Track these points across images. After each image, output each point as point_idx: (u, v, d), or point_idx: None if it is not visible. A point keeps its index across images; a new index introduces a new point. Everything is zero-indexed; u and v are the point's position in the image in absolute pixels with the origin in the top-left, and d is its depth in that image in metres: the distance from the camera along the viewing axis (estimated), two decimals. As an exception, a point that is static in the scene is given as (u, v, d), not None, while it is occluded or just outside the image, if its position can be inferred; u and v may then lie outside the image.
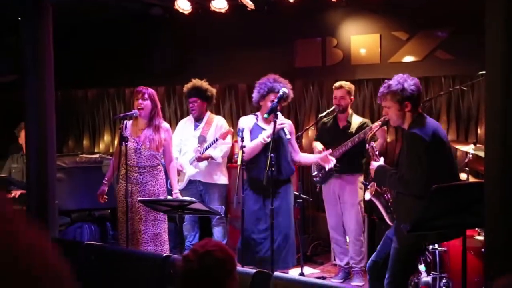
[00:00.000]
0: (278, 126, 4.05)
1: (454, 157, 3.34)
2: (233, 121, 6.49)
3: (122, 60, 7.01)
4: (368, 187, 3.61)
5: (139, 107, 4.48)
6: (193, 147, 5.25)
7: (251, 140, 4.29)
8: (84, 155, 6.07)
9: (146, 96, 4.49)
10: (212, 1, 5.62)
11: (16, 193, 5.14)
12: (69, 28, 6.81)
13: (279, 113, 4.11)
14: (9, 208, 0.79)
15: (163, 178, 4.68)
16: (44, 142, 4.20)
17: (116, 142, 7.15)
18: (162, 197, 4.51)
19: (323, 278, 4.97)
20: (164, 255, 3.20)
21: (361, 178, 4.84)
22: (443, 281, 4.03)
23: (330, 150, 4.64)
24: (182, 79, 5.70)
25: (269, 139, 4.04)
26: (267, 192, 4.09)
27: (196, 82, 5.34)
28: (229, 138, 5.22)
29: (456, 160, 3.43)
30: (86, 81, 7.47)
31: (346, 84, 4.90)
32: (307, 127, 5.67)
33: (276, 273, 2.81)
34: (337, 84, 4.93)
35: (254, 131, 4.33)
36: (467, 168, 4.49)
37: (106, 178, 4.63)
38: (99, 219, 5.82)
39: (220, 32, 6.32)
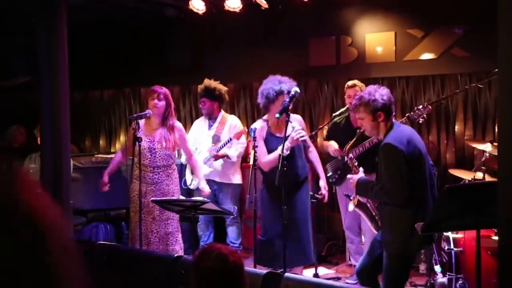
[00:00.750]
0: (296, 138, 4.05)
1: (427, 165, 3.36)
2: (247, 120, 6.48)
3: (137, 60, 7.05)
4: (351, 198, 3.64)
5: (154, 106, 4.49)
6: (207, 147, 5.26)
7: (268, 150, 4.26)
8: (100, 155, 6.11)
9: (161, 96, 4.51)
10: (226, 1, 5.63)
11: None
12: (85, 29, 6.87)
13: (295, 123, 4.10)
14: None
15: (177, 177, 4.70)
16: (59, 142, 4.24)
17: (124, 141, 7.23)
18: (176, 197, 4.53)
19: (338, 278, 4.94)
20: (176, 255, 3.21)
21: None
22: (459, 282, 3.99)
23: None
24: (197, 79, 5.72)
25: (288, 152, 4.04)
26: (281, 193, 4.09)
27: (205, 81, 5.36)
28: (243, 138, 5.23)
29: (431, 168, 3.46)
30: (102, 82, 7.54)
31: (359, 83, 4.87)
32: (321, 126, 5.63)
33: (287, 274, 2.80)
34: (350, 83, 4.90)
35: (269, 141, 4.28)
36: (483, 167, 4.43)
37: (108, 171, 4.66)
38: (114, 219, 5.86)
39: (234, 31, 6.32)
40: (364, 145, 4.66)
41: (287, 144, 4.03)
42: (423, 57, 5.60)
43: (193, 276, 2.05)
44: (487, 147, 4.51)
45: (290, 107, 4.07)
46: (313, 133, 5.32)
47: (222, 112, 5.44)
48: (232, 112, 6.54)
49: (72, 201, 4.50)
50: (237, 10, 5.65)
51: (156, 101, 4.50)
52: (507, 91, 2.56)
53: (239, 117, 6.48)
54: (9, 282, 0.78)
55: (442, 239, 4.28)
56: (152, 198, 4.23)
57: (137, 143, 4.35)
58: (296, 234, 4.15)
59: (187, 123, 6.80)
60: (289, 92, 4.14)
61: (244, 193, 5.31)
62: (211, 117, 5.39)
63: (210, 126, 5.40)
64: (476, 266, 2.91)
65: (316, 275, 4.73)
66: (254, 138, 4.05)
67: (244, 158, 5.87)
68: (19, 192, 0.85)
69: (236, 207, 5.09)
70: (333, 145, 4.92)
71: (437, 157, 5.51)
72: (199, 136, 5.41)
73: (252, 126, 4.33)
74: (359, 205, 3.62)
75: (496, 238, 3.81)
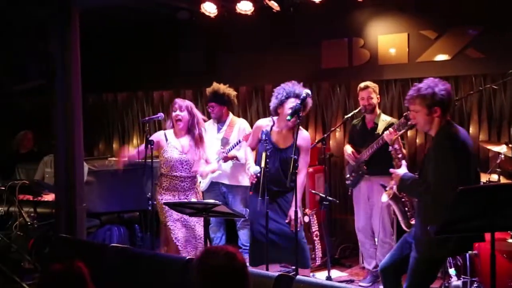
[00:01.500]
0: (250, 178, 4.14)
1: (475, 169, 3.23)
2: (260, 123, 6.47)
3: (150, 63, 7.08)
4: (387, 189, 3.52)
5: (176, 118, 4.48)
6: (216, 150, 5.26)
7: (259, 147, 4.28)
8: (114, 158, 6.13)
9: (183, 108, 4.50)
10: (238, 4, 5.62)
11: (49, 197, 5.23)
12: (99, 32, 6.92)
13: (286, 118, 4.05)
14: None
15: (198, 184, 4.77)
16: (72, 145, 4.27)
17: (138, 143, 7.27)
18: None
19: (351, 281, 4.90)
20: (187, 258, 3.19)
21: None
22: (474, 285, 3.94)
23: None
24: (209, 82, 5.71)
25: (254, 174, 4.10)
26: (275, 194, 4.09)
27: (214, 86, 5.35)
28: None
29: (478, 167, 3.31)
30: (116, 85, 7.58)
31: (371, 84, 4.85)
32: (333, 129, 5.61)
33: (298, 277, 2.77)
34: (362, 84, 4.87)
35: (261, 144, 4.24)
36: (498, 169, 4.38)
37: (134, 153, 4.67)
38: (128, 221, 5.87)
39: (246, 34, 6.31)
40: (373, 146, 4.64)
41: (256, 170, 4.11)
42: (436, 58, 5.55)
43: (198, 275, 2.04)
44: (502, 149, 4.45)
45: (301, 111, 4.05)
46: (325, 135, 5.29)
47: (231, 115, 5.43)
48: (244, 115, 6.53)
49: (86, 204, 4.52)
50: (249, 12, 5.64)
51: (178, 112, 4.49)
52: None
53: (251, 120, 6.47)
54: None
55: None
56: (164, 201, 4.23)
57: (149, 145, 4.36)
58: (281, 237, 4.15)
59: (200, 126, 6.81)
60: (299, 96, 4.10)
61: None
62: (220, 121, 5.38)
63: (219, 129, 5.40)
64: (491, 269, 2.86)
65: (329, 277, 4.70)
66: (265, 141, 4.03)
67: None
68: None
69: (247, 210, 5.07)
70: (347, 150, 4.91)
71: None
72: (208, 139, 5.39)
73: (263, 127, 4.31)
74: (394, 197, 3.50)
75: (511, 241, 3.76)
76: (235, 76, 5.86)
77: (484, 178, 4.48)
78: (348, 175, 5.00)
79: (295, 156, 3.81)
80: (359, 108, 4.95)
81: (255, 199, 4.07)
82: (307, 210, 5.09)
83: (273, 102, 4.26)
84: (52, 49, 4.39)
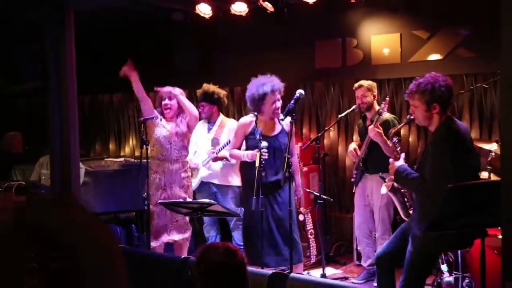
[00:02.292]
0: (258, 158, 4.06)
1: (478, 158, 3.21)
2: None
3: (145, 64, 7.09)
4: (386, 180, 3.52)
5: (166, 107, 4.59)
6: (206, 150, 5.29)
7: (248, 146, 4.31)
8: (110, 159, 6.15)
9: (171, 95, 4.61)
10: (232, 5, 5.65)
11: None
12: (95, 34, 6.93)
13: (280, 118, 4.11)
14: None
15: (188, 169, 4.92)
16: (68, 146, 4.28)
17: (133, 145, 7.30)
18: (190, 189, 4.86)
19: (346, 278, 4.94)
20: (183, 257, 3.23)
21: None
22: (466, 281, 3.98)
23: None
24: (202, 82, 5.74)
25: (249, 160, 4.12)
26: (268, 192, 4.13)
27: (204, 86, 5.39)
28: None
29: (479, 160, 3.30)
30: (111, 86, 7.58)
31: (365, 82, 4.88)
32: (327, 128, 5.64)
33: (292, 274, 2.81)
34: (357, 84, 4.92)
35: (251, 135, 4.30)
36: (489, 167, 4.42)
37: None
38: (124, 221, 5.90)
39: (241, 35, 6.34)
40: (365, 143, 4.69)
41: (250, 155, 4.16)
42: (429, 58, 5.59)
43: (198, 271, 2.07)
44: (493, 147, 4.50)
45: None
46: (319, 134, 5.33)
47: (221, 115, 5.46)
48: (239, 115, 6.55)
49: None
50: (243, 13, 5.67)
51: (167, 100, 4.62)
52: (509, 89, 2.56)
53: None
54: None
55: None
56: (160, 201, 4.27)
57: (144, 146, 4.41)
58: (280, 233, 4.17)
59: (195, 126, 6.84)
60: (273, 91, 4.18)
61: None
62: (210, 121, 5.41)
63: (209, 129, 5.42)
64: (481, 265, 2.91)
65: (323, 275, 4.73)
66: (260, 140, 4.06)
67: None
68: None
69: (242, 209, 5.10)
70: (349, 147, 4.96)
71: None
72: (198, 139, 5.44)
73: (248, 125, 4.35)
74: (392, 189, 3.51)
75: (501, 237, 3.79)
76: (230, 76, 5.88)
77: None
78: (354, 172, 5.05)
79: (289, 156, 3.84)
80: (353, 107, 4.99)
81: (250, 198, 4.10)
82: (301, 209, 5.13)
83: (251, 106, 4.38)
84: (47, 49, 4.40)
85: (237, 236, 5.37)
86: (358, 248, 5.12)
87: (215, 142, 5.29)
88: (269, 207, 4.19)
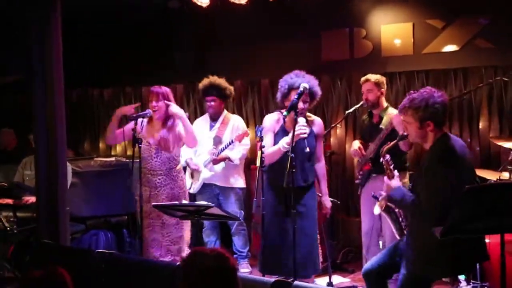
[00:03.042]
0: (296, 134, 3.97)
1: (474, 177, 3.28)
2: (255, 119, 6.48)
3: (139, 57, 7.07)
4: (379, 200, 3.55)
5: (153, 109, 4.54)
6: (207, 149, 5.26)
7: (275, 143, 4.25)
8: (100, 158, 6.13)
9: (160, 97, 4.55)
10: (231, -8, 5.62)
11: (28, 199, 5.23)
12: (85, 24, 6.91)
13: (302, 119, 4.05)
14: None
15: (182, 179, 4.74)
16: (54, 145, 4.26)
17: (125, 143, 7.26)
18: (181, 201, 4.55)
19: (354, 287, 4.91)
20: (177, 264, 3.20)
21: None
22: (484, 290, 3.95)
23: None
24: (202, 76, 5.71)
25: (289, 147, 3.98)
26: (288, 197, 4.07)
27: (214, 79, 5.33)
28: (246, 140, 5.20)
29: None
30: (102, 80, 7.57)
31: (372, 76, 4.83)
32: (334, 125, 5.61)
33: (296, 283, 2.78)
34: (363, 78, 4.87)
35: (280, 136, 4.27)
36: (510, 167, 4.39)
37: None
38: (115, 226, 5.87)
39: (241, 25, 6.32)
40: (376, 142, 4.64)
41: (288, 139, 4.02)
42: (444, 49, 5.57)
43: (185, 277, 2.06)
44: (514, 145, 4.47)
45: (303, 106, 4.07)
46: (326, 131, 5.29)
47: (225, 111, 5.43)
48: (239, 111, 6.54)
49: (69, 208, 4.52)
50: (243, 2, 5.64)
51: (154, 103, 4.54)
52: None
53: (246, 116, 6.49)
54: None
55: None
56: (154, 203, 4.25)
57: (136, 144, 4.38)
58: (301, 241, 4.12)
59: (191, 123, 6.81)
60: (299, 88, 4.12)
61: (251, 197, 5.32)
62: (216, 118, 5.37)
63: (211, 126, 5.38)
64: (501, 273, 2.88)
65: (330, 283, 4.72)
66: (261, 138, 4.03)
67: (251, 160, 5.86)
68: None
69: (242, 212, 5.08)
70: (353, 146, 4.91)
71: (460, 157, 5.46)
72: (199, 138, 5.39)
73: (262, 125, 4.31)
74: (386, 209, 3.54)
75: (523, 243, 3.76)
76: (229, 70, 5.86)
77: (494, 176, 4.50)
78: (358, 173, 5.00)
79: (292, 154, 3.80)
80: (361, 103, 4.95)
81: (270, 203, 4.10)
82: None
83: (278, 96, 4.32)
84: (32, 42, 4.38)
85: (238, 242, 5.35)
86: (367, 255, 5.09)
87: (217, 141, 5.26)
88: (289, 213, 4.12)
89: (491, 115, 5.46)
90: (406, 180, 4.68)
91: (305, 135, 4.01)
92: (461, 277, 4.27)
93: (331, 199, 4.79)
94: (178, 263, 3.22)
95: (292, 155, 3.80)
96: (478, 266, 4.04)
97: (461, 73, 5.58)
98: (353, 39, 5.98)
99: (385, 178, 3.43)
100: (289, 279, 3.35)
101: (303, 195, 4.24)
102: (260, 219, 4.15)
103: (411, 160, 5.11)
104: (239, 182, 5.31)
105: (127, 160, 5.85)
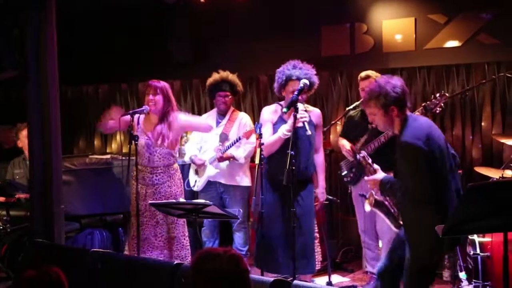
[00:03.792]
0: (297, 121, 4.01)
1: (449, 160, 3.36)
2: (254, 116, 6.48)
3: (135, 53, 7.07)
4: (367, 197, 3.61)
5: (150, 102, 4.53)
6: (214, 145, 5.26)
7: (274, 133, 4.27)
8: (95, 156, 6.13)
9: (158, 91, 4.55)
10: (229, -14, 5.63)
11: (21, 196, 5.23)
12: (80, 20, 6.91)
13: (300, 105, 4.07)
14: None
15: (180, 178, 4.73)
16: (48, 142, 4.26)
17: (121, 140, 7.25)
18: (178, 199, 4.56)
19: (354, 287, 4.93)
20: (175, 262, 3.22)
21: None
22: (487, 290, 3.97)
23: None
24: (199, 72, 5.72)
25: (290, 134, 4.01)
26: (287, 193, 4.08)
27: (226, 74, 5.31)
28: (253, 137, 5.20)
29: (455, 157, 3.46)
30: (97, 76, 7.56)
31: (373, 73, 4.84)
32: (334, 121, 5.61)
33: (295, 282, 2.80)
34: (363, 74, 4.87)
35: (278, 124, 4.29)
36: (513, 165, 4.41)
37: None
38: (111, 224, 5.87)
39: (239, 20, 6.33)
40: (380, 139, 4.64)
41: (288, 126, 4.07)
42: (446, 45, 5.58)
43: (197, 278, 2.06)
44: (517, 143, 4.48)
45: (302, 98, 4.09)
46: (325, 129, 5.30)
47: (232, 108, 5.43)
48: (237, 106, 6.54)
49: (64, 206, 4.52)
50: (242, -4, 5.65)
51: (151, 96, 4.54)
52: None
53: (245, 112, 6.48)
54: None
55: (467, 243, 4.25)
56: (151, 201, 4.25)
57: (133, 142, 4.38)
58: (299, 239, 4.14)
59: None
60: (299, 79, 4.14)
61: (251, 195, 5.32)
62: (224, 114, 5.37)
63: (218, 123, 5.37)
64: (504, 273, 2.89)
65: (329, 283, 4.73)
66: (260, 135, 4.04)
67: (252, 158, 5.87)
68: None
69: (241, 211, 5.08)
70: (345, 146, 4.91)
71: (462, 154, 5.48)
72: (205, 134, 5.38)
73: (260, 120, 4.32)
74: (376, 204, 3.60)
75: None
76: (227, 65, 5.83)
77: (497, 174, 4.51)
78: (345, 172, 4.98)
79: (292, 152, 3.82)
80: (361, 100, 4.95)
81: (269, 198, 4.09)
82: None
83: (275, 86, 4.38)
84: (27, 37, 4.38)
85: (239, 240, 5.35)
86: (365, 253, 5.11)
87: (223, 137, 5.25)
88: (286, 208, 4.13)
89: (494, 112, 5.47)
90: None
91: (307, 119, 4.07)
92: (463, 276, 4.29)
93: (330, 197, 4.81)
94: (175, 262, 3.23)
95: (292, 152, 3.81)
96: (480, 265, 4.06)
97: (463, 69, 5.59)
98: (354, 34, 5.98)
99: (367, 178, 3.54)
100: (288, 278, 3.37)
101: (301, 191, 4.25)
102: (257, 217, 4.17)
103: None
104: (244, 180, 5.29)
105: (123, 158, 5.85)
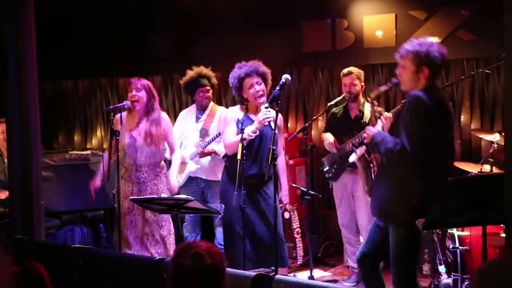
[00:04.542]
0: (262, 119, 4.05)
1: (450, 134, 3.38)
2: (236, 112, 6.48)
3: (115, 47, 7.02)
4: (357, 151, 3.61)
5: (133, 99, 4.50)
6: (194, 141, 5.26)
7: (241, 132, 4.29)
8: (75, 152, 6.10)
9: (140, 87, 4.51)
10: (210, -18, 5.61)
11: (1, 195, 5.17)
12: (59, 14, 6.83)
13: (263, 105, 4.10)
14: None
15: (166, 175, 4.71)
16: (27, 138, 4.22)
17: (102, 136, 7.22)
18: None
19: (335, 281, 4.97)
20: (157, 258, 3.22)
21: None
22: (465, 283, 4.03)
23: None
24: (180, 68, 5.69)
25: (254, 135, 4.07)
26: (251, 189, 4.12)
27: (201, 69, 5.32)
28: None
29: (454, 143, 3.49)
30: (77, 71, 7.49)
31: (355, 69, 4.89)
32: (315, 117, 5.64)
33: (278, 276, 2.81)
34: (345, 70, 4.91)
35: (246, 123, 4.30)
36: (491, 159, 4.47)
37: (102, 172, 4.59)
38: (91, 221, 5.85)
39: (220, 15, 6.31)
40: (361, 135, 4.68)
41: (253, 127, 4.10)
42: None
43: (170, 272, 2.08)
44: (495, 138, 4.55)
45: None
46: (307, 124, 5.33)
47: (212, 103, 5.44)
48: (219, 102, 6.53)
49: (44, 202, 4.48)
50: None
51: (134, 92, 4.50)
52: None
53: (226, 108, 6.48)
54: None
55: (447, 237, 4.32)
56: (132, 197, 4.23)
57: (114, 137, 4.35)
58: (262, 234, 4.18)
59: (170, 116, 6.76)
60: (248, 74, 4.23)
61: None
62: (204, 109, 5.38)
63: (197, 118, 5.38)
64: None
65: (311, 277, 4.76)
66: (242, 130, 4.05)
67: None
68: None
69: (223, 206, 5.08)
70: (328, 138, 4.94)
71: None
72: (185, 130, 5.38)
73: (229, 117, 4.34)
74: (361, 159, 3.60)
75: (504, 235, 3.85)
76: (209, 61, 5.83)
77: (475, 169, 4.58)
78: (327, 168, 5.01)
79: (274, 147, 3.83)
80: (343, 95, 4.99)
81: (231, 193, 4.08)
82: (287, 206, 5.14)
83: (234, 93, 4.42)
84: (4, 31, 4.33)
85: (220, 235, 5.36)
86: (346, 248, 5.15)
87: (203, 133, 5.25)
88: (252, 204, 4.18)
89: (472, 107, 5.54)
90: None
91: (270, 119, 4.08)
92: (442, 270, 4.34)
93: (312, 192, 4.84)
94: (157, 258, 3.23)
95: (274, 147, 3.83)
96: (459, 259, 4.12)
97: (443, 65, 5.64)
98: (335, 30, 6.01)
99: (368, 127, 3.51)
100: (270, 273, 3.40)
101: (265, 188, 4.27)
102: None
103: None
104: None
105: (103, 154, 5.81)
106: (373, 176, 3.61)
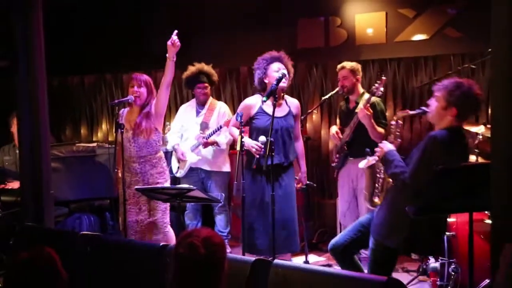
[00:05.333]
0: (250, 148, 4.15)
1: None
2: (234, 106, 6.47)
3: (118, 44, 6.98)
4: (369, 158, 3.57)
5: (134, 95, 4.48)
6: (194, 134, 5.26)
7: (256, 124, 4.28)
8: (81, 144, 6.08)
9: (142, 83, 4.49)
10: (207, -21, 5.58)
11: (13, 185, 5.17)
12: (66, 12, 6.79)
13: (262, 100, 4.11)
14: None
15: (163, 166, 4.67)
16: (37, 130, 4.21)
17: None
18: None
19: (329, 266, 4.98)
20: (161, 244, 3.21)
21: None
22: (452, 266, 4.05)
23: None
24: (180, 63, 5.63)
25: (254, 150, 4.15)
26: (268, 178, 4.10)
27: (201, 66, 5.33)
28: None
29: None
30: (83, 67, 7.46)
31: (348, 64, 4.88)
32: (310, 110, 5.64)
33: (276, 261, 2.81)
34: (339, 65, 4.92)
35: (259, 114, 4.30)
36: (476, 150, 4.47)
37: (117, 167, 4.56)
38: (98, 209, 5.85)
39: (219, 13, 6.28)
40: (351, 126, 4.70)
41: (256, 146, 4.17)
42: (415, 38, 5.63)
43: (171, 261, 2.08)
44: (480, 130, 4.54)
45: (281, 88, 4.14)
46: (302, 117, 5.33)
47: (211, 98, 5.44)
48: (218, 97, 6.52)
49: (53, 192, 4.48)
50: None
51: (136, 88, 4.48)
52: (500, 71, 2.59)
53: (225, 103, 6.47)
54: None
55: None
56: (136, 187, 4.23)
57: (119, 130, 4.34)
58: (281, 221, 4.17)
59: (172, 110, 6.79)
60: (280, 58, 4.26)
61: (232, 180, 5.34)
62: (203, 103, 5.38)
63: (198, 112, 5.38)
64: (469, 251, 2.96)
65: (306, 262, 4.78)
66: (241, 123, 4.05)
67: (232, 145, 5.87)
68: None
69: (223, 195, 5.11)
70: (331, 130, 4.99)
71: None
72: (186, 123, 5.39)
73: (239, 110, 4.33)
74: (370, 167, 3.57)
75: (489, 221, 3.86)
76: (207, 56, 5.82)
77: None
78: (334, 157, 5.06)
79: (272, 139, 3.83)
80: (336, 89, 5.00)
81: (251, 180, 4.10)
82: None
83: (256, 75, 4.37)
84: (14, 29, 4.30)
85: (220, 223, 5.37)
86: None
87: (204, 126, 5.27)
88: (269, 191, 4.15)
89: (459, 101, 5.53)
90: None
91: (259, 151, 4.14)
92: (430, 254, 4.36)
93: (309, 182, 4.84)
94: (161, 244, 3.23)
95: (272, 139, 3.83)
96: (446, 243, 4.13)
97: (431, 61, 5.65)
98: (328, 28, 6.00)
99: (384, 142, 3.46)
100: (268, 258, 3.40)
101: (283, 174, 4.28)
102: (239, 202, 4.18)
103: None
104: (225, 166, 5.33)
105: (108, 145, 5.81)
106: (377, 185, 3.56)
